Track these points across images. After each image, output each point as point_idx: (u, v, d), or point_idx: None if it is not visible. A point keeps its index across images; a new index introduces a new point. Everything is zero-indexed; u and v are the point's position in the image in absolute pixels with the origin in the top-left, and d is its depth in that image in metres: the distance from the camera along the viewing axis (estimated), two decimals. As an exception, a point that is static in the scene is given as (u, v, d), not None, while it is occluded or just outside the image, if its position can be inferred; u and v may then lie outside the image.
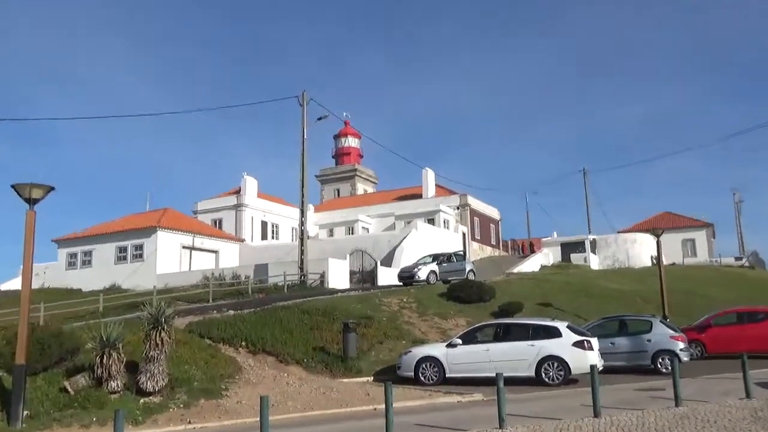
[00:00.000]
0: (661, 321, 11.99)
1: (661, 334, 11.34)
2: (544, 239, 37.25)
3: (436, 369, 10.46)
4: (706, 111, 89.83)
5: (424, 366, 10.50)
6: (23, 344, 8.25)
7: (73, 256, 28.02)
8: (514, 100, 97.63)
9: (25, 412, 8.31)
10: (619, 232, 36.46)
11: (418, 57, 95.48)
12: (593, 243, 33.86)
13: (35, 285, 17.70)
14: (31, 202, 8.54)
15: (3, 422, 8.24)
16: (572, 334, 10.31)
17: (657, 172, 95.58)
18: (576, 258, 32.86)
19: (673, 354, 10.85)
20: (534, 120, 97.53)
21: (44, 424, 8.02)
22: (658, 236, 16.24)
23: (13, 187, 8.64)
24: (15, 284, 25.69)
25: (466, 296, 17.34)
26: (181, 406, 8.81)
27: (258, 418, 6.03)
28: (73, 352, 9.83)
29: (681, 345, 11.29)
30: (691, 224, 36.77)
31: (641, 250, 32.65)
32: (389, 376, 10.77)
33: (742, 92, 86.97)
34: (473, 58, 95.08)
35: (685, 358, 11.17)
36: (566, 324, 10.75)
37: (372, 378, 11.23)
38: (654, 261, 27.18)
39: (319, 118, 23.76)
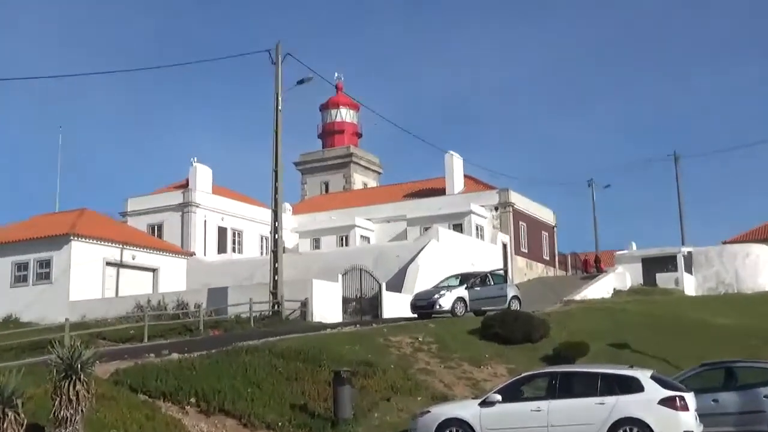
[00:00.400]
0: None
1: None
2: (618, 253, 37.57)
3: None
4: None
5: None
6: None
7: None
8: (570, 65, 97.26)
9: None
10: (724, 243, 36.62)
11: (440, 12, 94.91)
12: (688, 258, 33.30)
13: None
14: None
15: None
16: (659, 387, 10.24)
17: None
18: (664, 279, 32.74)
19: None
20: (598, 92, 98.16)
21: None
22: None
23: None
24: None
25: (507, 334, 17.21)
26: None
27: None
28: None
29: None
30: None
31: (757, 268, 32.39)
32: None
33: None
34: (512, 19, 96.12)
35: None
36: (650, 373, 10.70)
37: None
38: None
39: (300, 81, 23.26)
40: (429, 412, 10.94)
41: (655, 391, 9.97)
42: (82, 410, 9.16)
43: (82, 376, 9.22)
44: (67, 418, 9.00)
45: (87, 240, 26.43)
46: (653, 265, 33.37)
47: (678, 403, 9.86)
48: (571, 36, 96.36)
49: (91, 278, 26.31)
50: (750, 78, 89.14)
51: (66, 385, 9.13)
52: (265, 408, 11.65)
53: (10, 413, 8.79)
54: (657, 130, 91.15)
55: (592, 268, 39.59)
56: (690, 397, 10.10)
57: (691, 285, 32.28)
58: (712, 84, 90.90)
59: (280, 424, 11.18)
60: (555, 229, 42.39)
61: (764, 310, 22.07)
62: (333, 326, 19.43)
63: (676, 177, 42.37)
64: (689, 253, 33.54)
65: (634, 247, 38.00)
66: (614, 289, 32.33)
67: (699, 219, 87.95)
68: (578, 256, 42.66)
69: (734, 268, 32.27)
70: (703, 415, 10.50)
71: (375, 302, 24.94)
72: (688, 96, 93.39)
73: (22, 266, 26.30)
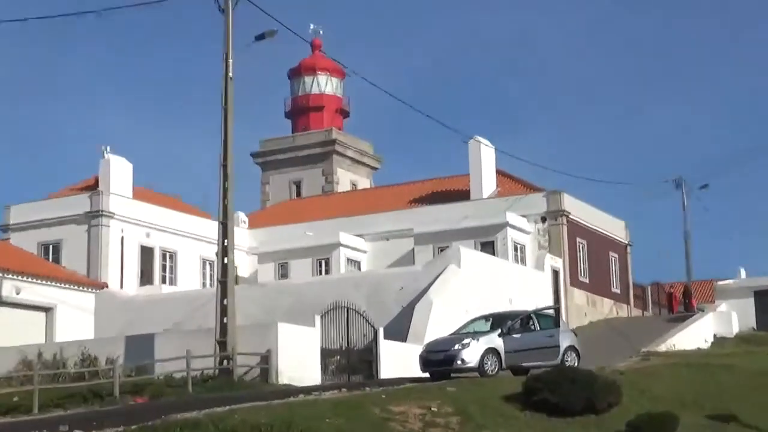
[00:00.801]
0: None
1: None
2: (720, 283, 37.62)
3: None
4: None
5: None
6: None
7: None
8: (633, 27, 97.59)
9: None
10: None
11: None
12: None
13: None
14: None
15: None
16: None
17: None
18: None
19: None
20: (689, 60, 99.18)
21: None
22: None
23: None
24: None
25: (561, 401, 16.93)
26: None
27: None
28: None
29: None
30: None
31: None
32: None
33: None
34: None
35: None
36: None
37: None
38: None
39: (260, 36, 22.95)
40: None
41: None
42: None
43: None
44: None
45: None
46: None
47: None
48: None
49: None
50: None
51: None
52: None
53: None
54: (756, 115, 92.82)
55: (680, 304, 39.53)
56: None
57: None
58: None
59: None
60: (629, 249, 41.90)
61: None
62: (308, 391, 18.99)
63: None
64: None
65: (743, 275, 38.14)
66: (715, 335, 32.52)
67: None
68: (662, 288, 42.49)
69: None
70: None
71: (368, 356, 25.06)
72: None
73: None
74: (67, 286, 29.24)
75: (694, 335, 31.37)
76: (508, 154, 39.23)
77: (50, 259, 33.61)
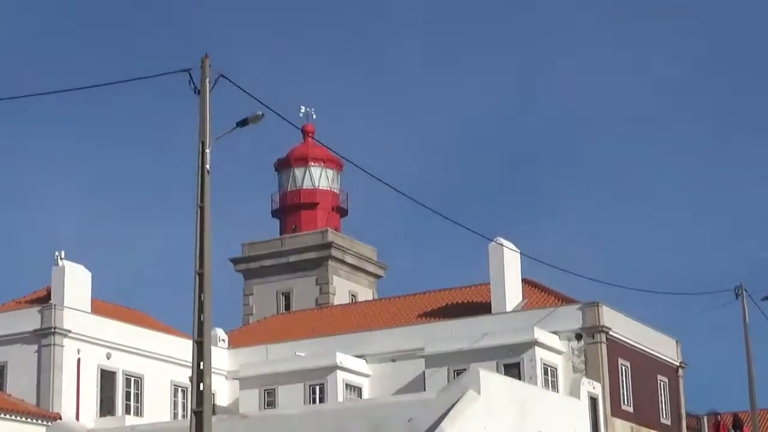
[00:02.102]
0: None
1: None
2: None
3: None
4: None
5: None
6: None
7: None
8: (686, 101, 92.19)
9: None
10: None
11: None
12: None
13: None
14: None
15: None
16: None
17: None
18: None
19: None
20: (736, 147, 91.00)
21: None
22: None
23: None
24: None
25: None
26: None
27: None
28: None
29: None
30: None
31: None
32: None
33: None
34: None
35: None
36: None
37: None
38: None
39: (243, 122, 20.27)
40: None
41: None
42: None
43: None
44: None
45: None
46: None
47: None
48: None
49: None
50: None
51: None
52: None
53: None
54: None
55: None
56: None
57: None
58: None
59: None
60: (681, 371, 39.00)
61: None
62: None
63: None
64: None
65: None
66: None
67: None
68: (719, 418, 39.05)
69: None
70: None
71: None
72: None
73: None
74: (13, 417, 29.68)
75: None
76: (536, 260, 35.98)
77: None
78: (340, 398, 33.37)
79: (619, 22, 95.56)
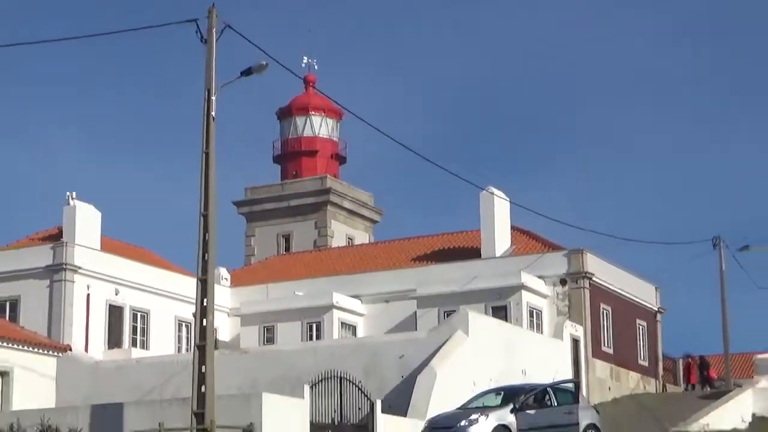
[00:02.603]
0: None
1: None
2: (759, 357, 38.10)
3: None
4: None
5: None
6: None
7: None
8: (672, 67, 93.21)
9: None
10: None
11: None
12: None
13: None
14: None
15: None
16: None
17: None
18: None
19: None
20: (720, 112, 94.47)
21: None
22: None
23: None
24: None
25: None
26: None
27: None
28: None
29: None
30: None
31: None
32: None
33: None
34: None
35: None
36: None
37: None
38: None
39: (248, 71, 21.23)
40: None
41: None
42: None
43: None
44: None
45: None
46: None
47: None
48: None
49: None
50: None
51: None
52: None
53: None
54: None
55: (694, 375, 40.91)
56: None
57: None
58: None
59: None
60: (659, 316, 40.55)
61: None
62: None
63: None
64: None
65: None
66: (754, 414, 33.24)
67: None
68: (693, 360, 41.60)
69: None
70: None
71: (364, 431, 24.39)
72: None
73: None
74: (25, 348, 30.10)
75: (731, 414, 31.78)
76: (524, 208, 36.63)
77: (6, 318, 32.85)
78: (336, 336, 34.14)
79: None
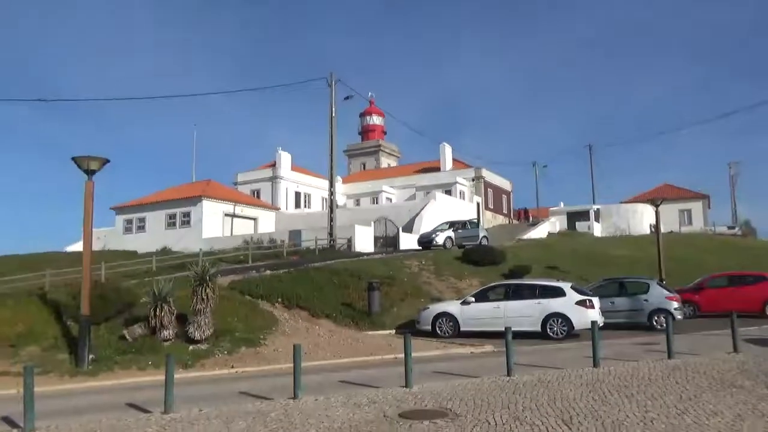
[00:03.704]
0: (657, 283, 21.34)
1: (658, 295, 20.49)
2: (551, 209, 60.23)
3: (451, 324, 19.34)
4: (710, 89, 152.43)
5: (440, 321, 19.35)
6: (86, 298, 15.83)
7: (129, 222, 49.77)
8: (531, 81, 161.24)
9: (91, 356, 15.49)
10: (621, 203, 60.22)
11: (439, 39, 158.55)
12: (597, 212, 55.92)
13: (97, 247, 33.39)
14: (89, 173, 16.22)
15: (72, 364, 15.26)
16: (575, 293, 18.70)
17: (662, 148, 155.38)
18: (581, 226, 53.73)
19: (667, 312, 19.75)
20: (548, 99, 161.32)
21: (107, 366, 15.17)
22: (656, 206, 27.60)
23: (73, 159, 16.16)
24: (79, 247, 38.32)
25: (479, 259, 28.71)
26: (225, 353, 16.35)
27: (292, 364, 10.82)
28: (130, 305, 18.86)
29: (675, 305, 20.39)
30: (689, 196, 62.11)
31: (642, 219, 53.90)
32: (410, 329, 19.49)
33: (743, 72, 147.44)
34: (492, 39, 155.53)
35: (678, 316, 20.18)
36: (570, 285, 19.58)
37: (394, 331, 20.59)
38: (653, 229, 43.17)
39: (346, 98, 40.42)
40: (428, 308, 20.46)
41: (573, 296, 18.61)
42: (210, 305, 17.29)
43: (210, 284, 17.31)
44: (201, 310, 17.15)
45: (212, 200, 46.90)
46: (574, 217, 56.09)
47: (588, 304, 18.42)
48: (538, 51, 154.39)
49: (215, 224, 46.34)
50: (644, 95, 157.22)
51: (200, 289, 17.18)
52: (325, 305, 21.62)
53: (165, 306, 17.31)
54: (588, 127, 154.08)
55: (524, 217, 63.67)
56: (596, 300, 18.75)
57: (598, 230, 53.97)
58: (631, 95, 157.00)
59: (334, 314, 21.02)
60: (511, 193, 66.00)
61: (646, 247, 35.58)
62: (367, 255, 32.87)
63: (590, 160, 70.93)
64: (598, 209, 56.42)
65: (562, 205, 60.23)
66: (548, 232, 51.70)
67: (607, 187, 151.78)
68: (521, 211, 64.75)
69: (627, 219, 54.66)
70: (604, 312, 19.41)
71: (395, 240, 39.45)
72: (609, 98, 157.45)
73: (172, 216, 47.56)
74: (262, 209, 51.48)
75: (539, 232, 50.52)
76: (458, 150, 69.27)
77: (255, 197, 55.82)
78: (383, 202, 59.19)
79: None
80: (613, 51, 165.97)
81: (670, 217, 57.78)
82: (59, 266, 28.60)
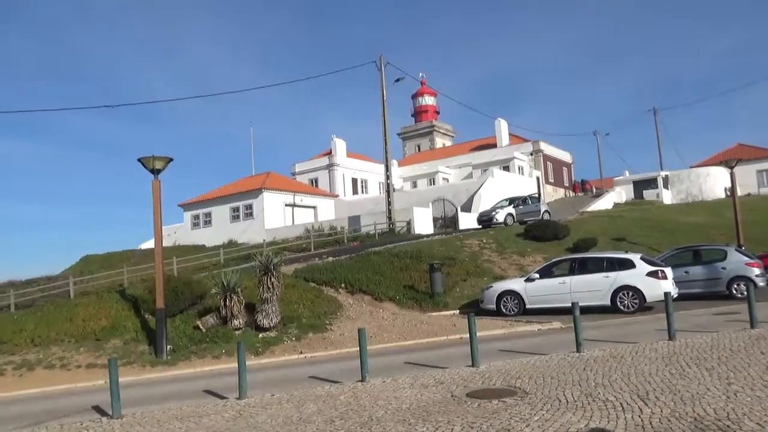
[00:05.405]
0: (736, 249, 20.13)
1: (736, 262, 19.36)
2: (616, 178, 59.17)
3: (516, 301, 18.90)
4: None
5: (505, 299, 18.99)
6: (161, 291, 16.48)
7: (196, 217, 51.40)
8: (588, 47, 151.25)
9: (169, 347, 16.09)
10: (691, 167, 58.56)
11: (492, 11, 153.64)
12: (666, 179, 54.67)
13: (168, 243, 38.03)
14: (155, 172, 16.65)
15: (152, 355, 15.88)
16: (646, 264, 17.80)
17: (733, 107, 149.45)
18: (649, 194, 53.13)
19: (748, 280, 18.74)
20: (605, 66, 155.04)
21: (184, 356, 15.73)
22: (731, 168, 25.86)
23: (139, 160, 16.66)
24: (152, 244, 42.54)
25: (542, 235, 27.90)
26: (293, 339, 16.68)
27: (358, 348, 10.97)
28: (202, 297, 19.37)
29: (757, 271, 19.22)
30: (766, 154, 57.44)
31: (714, 183, 52.61)
32: (473, 309, 19.28)
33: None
34: (545, 7, 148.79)
35: (761, 283, 18.97)
36: (639, 256, 18.61)
37: (457, 311, 20.33)
38: (728, 193, 42.84)
39: (397, 80, 40.84)
40: (492, 286, 20.02)
41: (643, 267, 17.72)
42: (276, 293, 17.50)
43: (274, 273, 17.49)
44: (268, 298, 17.37)
45: (273, 191, 47.99)
46: (641, 186, 55.58)
47: (660, 275, 17.47)
48: (596, 16, 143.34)
49: (277, 214, 47.34)
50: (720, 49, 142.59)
51: (265, 279, 17.36)
52: (388, 288, 21.53)
53: (234, 297, 17.62)
54: (652, 90, 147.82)
55: (580, 190, 61.73)
56: (668, 271, 17.77)
57: (668, 198, 52.71)
58: (698, 52, 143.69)
59: (397, 297, 20.98)
60: (572, 165, 64.93)
61: (721, 211, 34.47)
62: (427, 236, 32.10)
63: (655, 124, 75.36)
64: (666, 175, 55.15)
65: (627, 174, 60.01)
66: (614, 203, 50.13)
67: (674, 152, 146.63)
68: (577, 184, 63.22)
69: (699, 184, 53.17)
70: (678, 282, 18.64)
71: (453, 220, 39.16)
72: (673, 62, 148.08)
73: (235, 209, 48.80)
74: (321, 197, 52.07)
75: (604, 203, 49.25)
76: (513, 124, 67.25)
77: (314, 186, 57.10)
78: (440, 183, 58.16)
79: None
80: (672, 9, 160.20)
81: (747, 179, 54.86)
82: (137, 263, 29.80)
